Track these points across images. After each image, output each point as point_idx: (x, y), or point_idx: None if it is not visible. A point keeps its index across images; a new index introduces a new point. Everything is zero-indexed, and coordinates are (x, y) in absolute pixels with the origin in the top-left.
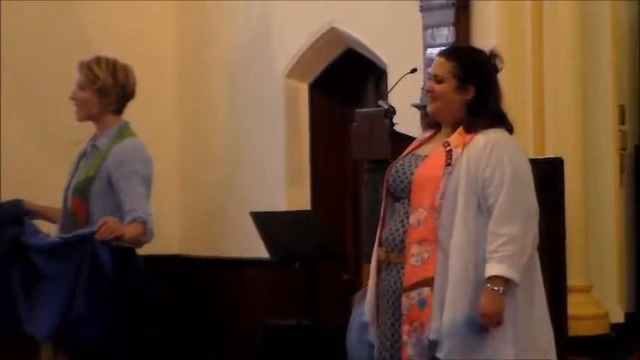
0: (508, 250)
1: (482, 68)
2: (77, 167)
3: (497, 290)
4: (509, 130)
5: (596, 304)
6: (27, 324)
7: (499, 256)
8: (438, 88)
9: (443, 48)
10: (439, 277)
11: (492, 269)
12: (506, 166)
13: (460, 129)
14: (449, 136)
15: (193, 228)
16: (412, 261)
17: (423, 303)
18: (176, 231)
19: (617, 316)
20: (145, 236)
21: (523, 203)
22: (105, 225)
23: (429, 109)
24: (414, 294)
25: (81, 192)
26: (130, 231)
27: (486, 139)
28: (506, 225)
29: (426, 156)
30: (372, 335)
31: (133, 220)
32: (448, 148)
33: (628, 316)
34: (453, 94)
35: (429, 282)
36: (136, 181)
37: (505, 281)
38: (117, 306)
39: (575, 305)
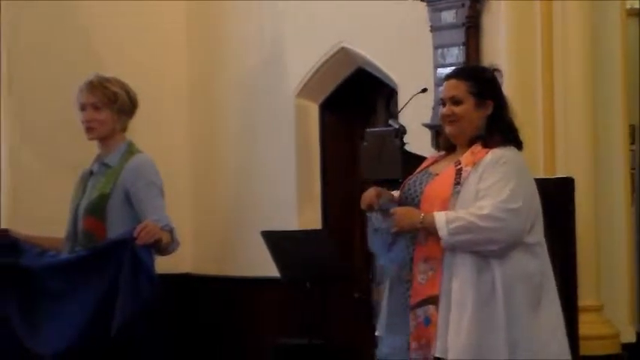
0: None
1: (493, 82)
2: (85, 188)
3: (421, 220)
4: (520, 145)
5: (608, 324)
6: (36, 345)
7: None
8: (458, 109)
9: (448, 71)
10: (444, 296)
11: (442, 215)
12: (499, 179)
13: (474, 147)
14: (463, 154)
15: (205, 247)
16: (419, 278)
17: (428, 321)
18: (188, 250)
19: (629, 335)
20: (172, 245)
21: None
22: (145, 229)
23: (448, 131)
24: (420, 312)
25: (96, 210)
26: (165, 236)
27: (494, 156)
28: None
29: (438, 174)
30: (382, 349)
31: (161, 229)
32: (458, 167)
33: (639, 335)
34: (474, 112)
35: (434, 300)
36: (155, 193)
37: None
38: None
39: (587, 325)
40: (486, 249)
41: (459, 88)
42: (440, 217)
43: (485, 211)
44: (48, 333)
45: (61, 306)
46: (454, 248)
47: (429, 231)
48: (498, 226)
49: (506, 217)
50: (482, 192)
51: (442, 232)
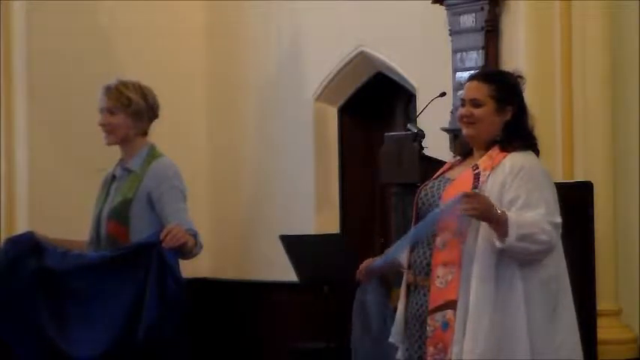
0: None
1: (516, 88)
2: (108, 192)
3: (498, 216)
4: (537, 153)
5: (626, 329)
6: (70, 350)
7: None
8: (477, 112)
9: (472, 73)
10: (462, 301)
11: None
12: (532, 190)
13: (491, 151)
14: (480, 158)
15: (222, 251)
16: (437, 283)
17: (446, 325)
18: (205, 254)
19: None
20: (196, 248)
21: (549, 225)
22: (171, 232)
23: (466, 132)
24: (438, 316)
25: (119, 215)
26: (190, 240)
27: (512, 162)
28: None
29: (455, 179)
30: (400, 356)
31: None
32: (476, 171)
33: None
34: (493, 117)
35: (452, 305)
36: (178, 197)
37: (503, 233)
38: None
39: (605, 329)
40: (528, 259)
41: (480, 90)
42: (512, 219)
43: (544, 226)
44: (82, 338)
45: (91, 310)
46: (511, 252)
47: (499, 226)
48: (547, 240)
49: (553, 231)
50: (519, 203)
51: (512, 233)
